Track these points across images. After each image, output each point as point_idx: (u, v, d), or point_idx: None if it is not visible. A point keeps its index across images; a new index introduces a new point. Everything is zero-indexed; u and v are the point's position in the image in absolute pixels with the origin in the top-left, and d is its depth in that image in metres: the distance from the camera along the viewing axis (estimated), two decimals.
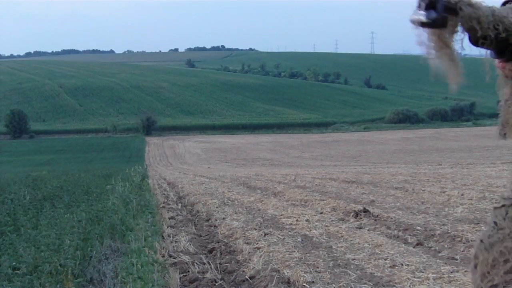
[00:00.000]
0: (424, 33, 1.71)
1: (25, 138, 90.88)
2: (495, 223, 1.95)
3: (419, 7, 1.68)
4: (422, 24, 1.67)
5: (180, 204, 10.77)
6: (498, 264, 1.86)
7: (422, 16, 1.66)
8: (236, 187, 14.45)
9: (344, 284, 4.35)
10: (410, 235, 6.19)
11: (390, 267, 4.81)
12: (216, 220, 8.08)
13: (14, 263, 5.01)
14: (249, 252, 5.51)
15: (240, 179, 17.67)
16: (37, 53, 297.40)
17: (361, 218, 7.48)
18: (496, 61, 1.87)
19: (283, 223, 7.49)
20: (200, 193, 12.53)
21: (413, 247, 5.59)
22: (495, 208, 2.00)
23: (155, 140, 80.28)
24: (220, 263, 5.20)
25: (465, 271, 4.56)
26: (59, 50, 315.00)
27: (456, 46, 1.73)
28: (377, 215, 7.60)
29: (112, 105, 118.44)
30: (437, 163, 23.39)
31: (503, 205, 1.98)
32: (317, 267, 4.91)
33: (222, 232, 6.99)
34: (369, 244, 5.78)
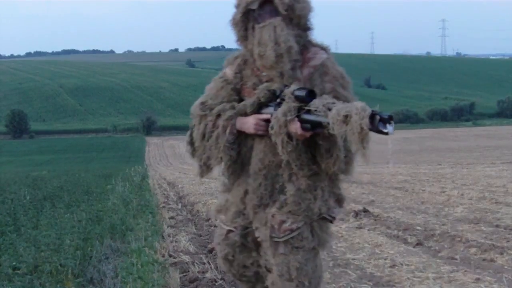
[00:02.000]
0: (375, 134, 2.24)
1: (25, 138, 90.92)
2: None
3: (389, 123, 2.20)
4: (380, 132, 2.20)
5: (180, 204, 10.78)
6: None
7: (390, 129, 2.21)
8: None
9: (344, 284, 4.36)
10: (410, 235, 6.19)
11: (390, 267, 4.82)
12: (216, 220, 8.07)
13: (14, 263, 5.01)
14: None
15: None
16: (37, 53, 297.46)
17: (361, 218, 7.48)
18: (298, 124, 2.35)
19: None
20: (200, 193, 12.52)
21: (413, 247, 5.60)
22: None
23: (155, 140, 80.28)
24: None
25: (465, 271, 4.56)
26: (59, 50, 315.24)
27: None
28: (377, 215, 7.61)
29: (112, 105, 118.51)
30: (437, 163, 23.40)
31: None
32: None
33: None
34: (369, 244, 5.78)
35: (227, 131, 2.56)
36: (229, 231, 2.73)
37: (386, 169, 19.52)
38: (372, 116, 2.20)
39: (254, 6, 2.47)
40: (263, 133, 2.53)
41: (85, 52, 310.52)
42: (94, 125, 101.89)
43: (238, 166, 2.65)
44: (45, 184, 16.96)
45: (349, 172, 2.63)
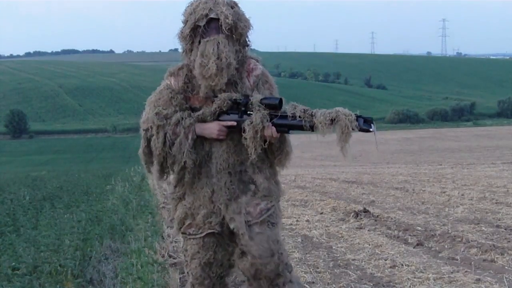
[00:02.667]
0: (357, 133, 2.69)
1: (24, 138, 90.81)
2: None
3: (372, 123, 2.68)
4: (366, 131, 2.69)
5: None
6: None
7: (373, 127, 2.69)
8: None
9: (344, 285, 4.35)
10: (410, 235, 6.19)
11: (390, 267, 4.81)
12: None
13: (13, 264, 5.00)
14: None
15: None
16: (37, 53, 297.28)
17: (361, 218, 7.47)
18: (274, 128, 2.73)
19: (283, 223, 7.47)
20: None
21: (413, 248, 5.59)
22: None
23: None
24: None
25: (466, 272, 4.55)
26: (59, 50, 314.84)
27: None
28: (377, 215, 7.60)
29: (112, 105, 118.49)
30: (437, 163, 23.39)
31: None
32: (317, 268, 4.91)
33: None
34: (369, 245, 5.77)
35: (189, 137, 2.81)
36: (205, 236, 2.91)
37: (387, 169, 19.51)
38: (356, 119, 2.67)
39: (202, 23, 2.76)
40: (223, 138, 2.83)
41: (84, 52, 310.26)
42: (93, 125, 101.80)
43: (195, 170, 2.86)
44: (44, 184, 16.95)
45: (286, 166, 2.99)
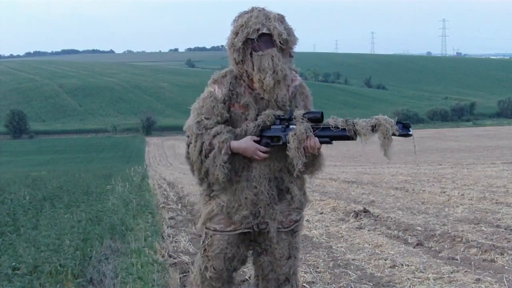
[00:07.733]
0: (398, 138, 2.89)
1: (25, 138, 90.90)
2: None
3: (410, 127, 2.93)
4: (406, 136, 2.91)
5: (180, 204, 10.77)
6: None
7: (411, 131, 2.92)
8: None
9: (344, 284, 4.35)
10: (410, 235, 6.19)
11: (390, 267, 4.81)
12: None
13: (13, 264, 5.00)
14: None
15: None
16: (37, 53, 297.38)
17: (361, 218, 7.48)
18: (316, 139, 2.85)
19: None
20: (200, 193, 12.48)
21: (413, 247, 5.59)
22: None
23: (155, 140, 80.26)
24: None
25: (465, 271, 4.56)
26: (59, 50, 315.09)
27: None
28: (377, 215, 7.60)
29: (112, 105, 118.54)
30: (437, 163, 23.37)
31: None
32: (317, 267, 4.92)
33: None
34: (369, 244, 5.78)
35: (223, 152, 2.86)
36: (238, 234, 3.01)
37: (387, 169, 19.51)
38: (395, 123, 2.87)
39: (254, 36, 2.85)
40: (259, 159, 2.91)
41: (84, 52, 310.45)
42: (93, 125, 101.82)
43: (233, 175, 2.94)
44: (44, 184, 16.93)
45: (315, 176, 3.17)
